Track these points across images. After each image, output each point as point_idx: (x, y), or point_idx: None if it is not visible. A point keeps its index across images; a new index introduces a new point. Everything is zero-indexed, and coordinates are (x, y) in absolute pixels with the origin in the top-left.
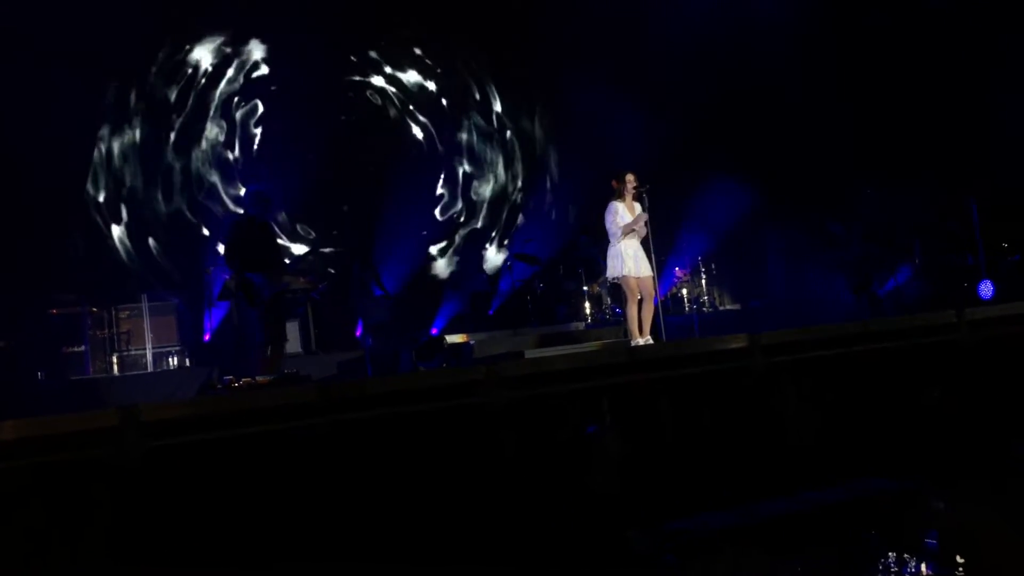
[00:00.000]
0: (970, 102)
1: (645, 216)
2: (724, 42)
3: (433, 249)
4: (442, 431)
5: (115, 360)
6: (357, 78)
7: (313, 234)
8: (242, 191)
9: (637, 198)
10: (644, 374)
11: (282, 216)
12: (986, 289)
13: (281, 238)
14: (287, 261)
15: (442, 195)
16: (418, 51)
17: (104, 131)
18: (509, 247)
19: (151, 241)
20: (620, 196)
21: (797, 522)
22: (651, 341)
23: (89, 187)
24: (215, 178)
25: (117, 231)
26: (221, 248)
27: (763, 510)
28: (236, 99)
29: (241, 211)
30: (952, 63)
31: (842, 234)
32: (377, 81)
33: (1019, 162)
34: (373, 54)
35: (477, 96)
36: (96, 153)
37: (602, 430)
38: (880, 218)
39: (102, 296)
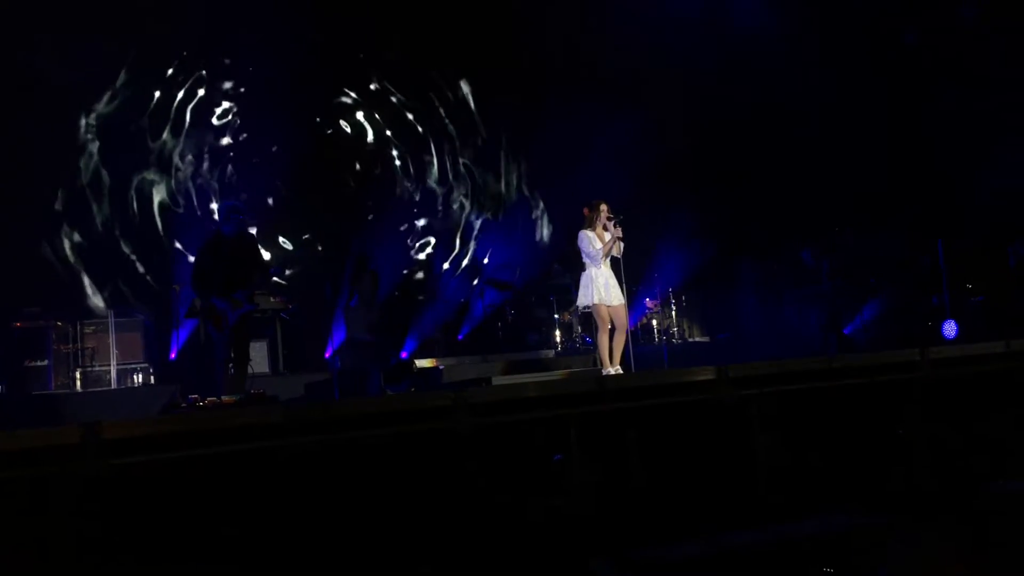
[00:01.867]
0: (940, 146)
1: (618, 232)
2: (702, 74)
3: (405, 273)
4: (408, 456)
5: (78, 376)
6: (333, 100)
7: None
8: (214, 208)
9: (609, 227)
10: (613, 404)
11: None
12: (950, 329)
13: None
14: (268, 274)
15: (416, 220)
16: (395, 77)
17: (75, 146)
18: (481, 273)
19: (119, 256)
20: (591, 224)
21: (763, 555)
22: (620, 371)
23: (57, 203)
24: (185, 198)
25: (82, 247)
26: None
27: (729, 542)
28: (207, 120)
29: (214, 228)
30: (926, 107)
31: (812, 264)
32: (353, 108)
33: (984, 204)
34: (349, 80)
35: (455, 121)
36: (67, 170)
37: (569, 459)
38: (849, 255)
39: (67, 310)
